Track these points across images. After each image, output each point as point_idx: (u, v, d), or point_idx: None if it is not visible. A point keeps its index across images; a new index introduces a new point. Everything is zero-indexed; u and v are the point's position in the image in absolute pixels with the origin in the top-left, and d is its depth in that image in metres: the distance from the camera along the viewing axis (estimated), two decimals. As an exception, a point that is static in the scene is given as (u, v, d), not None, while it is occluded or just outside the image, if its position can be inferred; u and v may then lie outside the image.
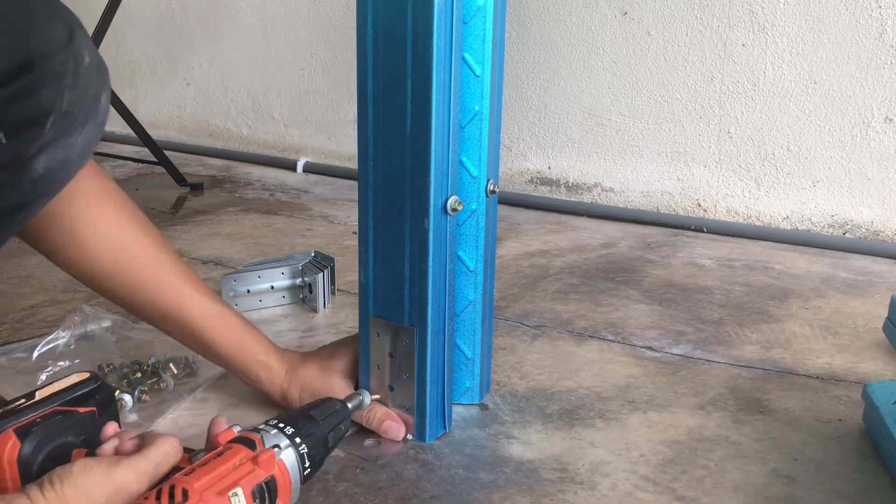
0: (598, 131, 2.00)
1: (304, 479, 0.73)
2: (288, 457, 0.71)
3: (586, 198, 2.03)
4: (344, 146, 2.39)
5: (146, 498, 0.62)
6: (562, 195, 2.07)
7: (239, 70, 2.58)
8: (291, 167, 2.41)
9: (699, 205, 1.90)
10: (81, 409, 0.71)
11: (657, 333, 1.24)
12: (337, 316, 1.29)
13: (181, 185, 2.18)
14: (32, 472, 0.67)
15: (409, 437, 0.92)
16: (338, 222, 1.87)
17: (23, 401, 0.69)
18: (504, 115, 2.07)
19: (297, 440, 0.72)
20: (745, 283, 1.48)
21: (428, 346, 0.88)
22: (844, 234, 1.76)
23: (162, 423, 0.95)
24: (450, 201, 0.84)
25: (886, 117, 1.68)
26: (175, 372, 1.04)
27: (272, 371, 0.94)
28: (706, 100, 1.84)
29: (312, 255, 1.39)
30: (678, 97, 1.87)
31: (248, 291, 1.30)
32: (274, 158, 2.49)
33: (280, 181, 2.29)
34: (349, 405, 0.85)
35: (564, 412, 0.99)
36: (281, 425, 0.73)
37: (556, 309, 1.33)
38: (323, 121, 2.44)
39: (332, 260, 1.37)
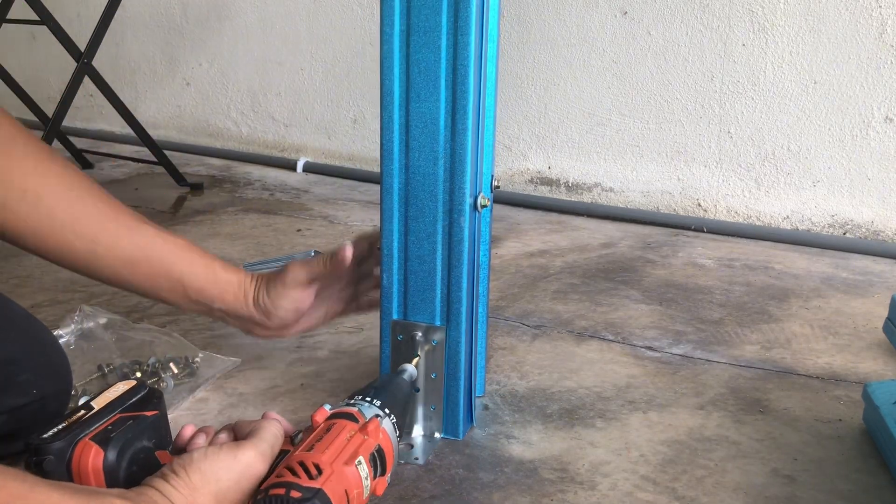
0: (599, 131, 2.00)
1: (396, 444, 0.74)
2: (387, 426, 0.73)
3: (586, 198, 2.03)
4: (344, 146, 2.39)
5: (279, 476, 0.62)
6: (562, 195, 2.07)
7: (239, 70, 2.58)
8: (291, 167, 2.41)
9: (699, 205, 1.90)
10: (147, 413, 0.71)
11: (657, 333, 1.24)
12: (337, 316, 1.29)
13: (181, 184, 2.18)
14: (119, 479, 0.66)
15: (438, 435, 0.92)
16: (338, 222, 1.87)
17: (83, 412, 0.68)
18: (504, 114, 2.07)
19: (387, 410, 0.74)
20: (745, 282, 1.48)
21: (461, 342, 0.89)
22: (845, 233, 1.76)
23: (162, 423, 0.95)
24: (479, 198, 0.87)
25: (886, 117, 1.68)
26: (175, 372, 1.04)
27: (248, 286, 0.92)
28: (706, 100, 1.84)
29: (312, 254, 1.39)
30: (678, 97, 1.87)
31: (248, 291, 1.30)
32: (274, 158, 2.49)
33: (280, 181, 2.29)
34: (406, 377, 0.86)
35: (564, 412, 0.99)
36: (368, 399, 0.74)
37: (556, 309, 1.33)
38: (323, 121, 2.44)
39: (332, 260, 1.37)
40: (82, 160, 2.42)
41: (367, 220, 1.89)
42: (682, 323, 1.28)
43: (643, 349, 1.18)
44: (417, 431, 0.92)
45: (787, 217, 1.81)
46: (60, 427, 0.66)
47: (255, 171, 2.40)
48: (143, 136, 2.16)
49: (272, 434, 0.68)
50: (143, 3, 2.71)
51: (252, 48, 2.53)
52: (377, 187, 2.17)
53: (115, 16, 2.11)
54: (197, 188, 2.17)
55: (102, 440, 0.66)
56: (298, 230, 1.79)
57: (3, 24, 2.17)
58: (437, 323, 0.89)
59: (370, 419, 0.70)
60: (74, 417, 0.68)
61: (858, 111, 1.70)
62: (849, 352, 1.17)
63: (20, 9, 2.03)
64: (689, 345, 1.19)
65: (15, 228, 0.80)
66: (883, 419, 0.88)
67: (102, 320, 1.16)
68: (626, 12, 1.88)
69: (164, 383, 1.02)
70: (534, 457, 0.89)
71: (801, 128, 1.77)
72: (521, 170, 2.11)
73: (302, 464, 0.62)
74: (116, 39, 2.73)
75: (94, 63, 2.08)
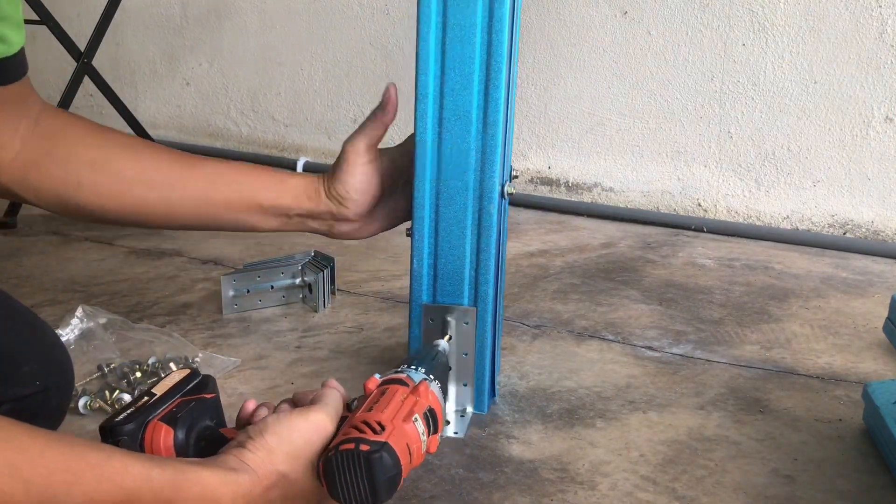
0: (599, 131, 2.00)
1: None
2: (434, 389, 0.76)
3: (586, 197, 2.03)
4: (344, 146, 2.39)
5: (346, 434, 0.65)
6: (562, 195, 2.07)
7: (239, 70, 2.58)
8: (291, 167, 2.41)
9: (699, 204, 1.90)
10: (207, 396, 0.75)
11: (657, 333, 1.24)
12: (337, 316, 1.29)
13: (181, 184, 2.17)
14: (189, 456, 0.70)
15: (470, 409, 0.96)
16: (338, 222, 1.87)
17: (146, 398, 0.72)
18: (504, 114, 2.07)
19: (432, 377, 0.78)
20: (745, 282, 1.48)
21: (488, 322, 0.95)
22: (845, 233, 1.76)
23: (162, 423, 0.95)
24: (506, 186, 0.93)
25: (886, 117, 1.68)
26: (175, 372, 1.04)
27: (318, 182, 0.94)
28: (706, 99, 1.84)
29: (312, 255, 1.39)
30: (678, 97, 1.87)
31: (248, 291, 1.30)
32: (274, 158, 2.49)
33: (280, 181, 2.28)
34: (441, 350, 0.90)
35: (564, 412, 0.99)
36: (413, 367, 0.78)
37: (557, 309, 1.33)
38: (323, 120, 2.44)
39: (332, 260, 1.37)
40: (82, 160, 2.41)
41: (367, 219, 1.89)
42: (682, 323, 1.28)
43: (643, 349, 1.18)
44: (450, 407, 0.97)
45: (787, 217, 1.81)
46: (129, 412, 0.70)
47: (255, 171, 2.40)
48: (143, 136, 2.16)
49: (335, 398, 0.71)
50: (143, 2, 2.71)
51: (252, 48, 2.53)
52: (377, 187, 2.18)
53: (115, 16, 2.11)
54: (197, 188, 2.16)
55: (171, 420, 0.69)
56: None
57: (3, 24, 2.17)
58: (467, 304, 0.95)
59: (419, 382, 0.74)
60: (140, 403, 0.71)
61: (858, 111, 1.70)
62: (849, 352, 1.17)
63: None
64: (689, 345, 1.19)
65: (95, 201, 0.86)
66: (883, 419, 0.88)
67: (102, 320, 1.16)
68: (626, 12, 1.88)
69: (164, 383, 1.02)
70: (534, 457, 0.89)
71: (801, 128, 1.77)
72: (521, 169, 2.11)
73: (366, 422, 0.66)
74: (116, 39, 2.73)
75: (94, 63, 2.08)
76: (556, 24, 1.98)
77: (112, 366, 1.05)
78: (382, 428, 0.65)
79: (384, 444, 0.64)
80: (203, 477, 0.59)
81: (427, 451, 0.71)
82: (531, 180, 2.11)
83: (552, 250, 1.68)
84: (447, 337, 0.93)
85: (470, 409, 0.97)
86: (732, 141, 1.84)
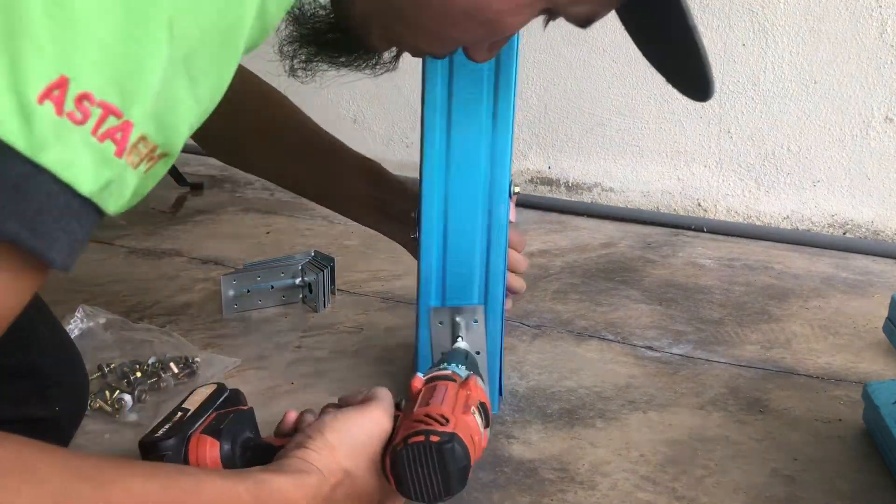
0: (598, 131, 1.99)
1: None
2: (480, 383, 0.76)
3: (586, 197, 2.03)
4: (344, 146, 2.39)
5: (411, 428, 0.64)
6: (562, 195, 2.07)
7: (239, 70, 2.58)
8: (291, 167, 2.41)
9: (699, 205, 1.90)
10: (243, 408, 0.74)
11: (657, 333, 1.24)
12: (337, 316, 1.29)
13: (181, 184, 2.18)
14: (237, 467, 0.69)
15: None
16: (338, 222, 1.87)
17: (181, 413, 0.71)
18: (504, 114, 2.07)
19: (472, 372, 0.77)
20: (745, 282, 1.48)
21: (499, 320, 0.95)
22: (844, 233, 1.76)
23: (162, 423, 0.95)
24: (512, 186, 0.94)
25: (887, 117, 1.68)
26: (175, 372, 1.04)
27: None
28: (706, 99, 1.84)
29: (312, 255, 1.39)
30: (678, 97, 1.86)
31: (248, 291, 1.30)
32: (274, 158, 2.49)
33: (280, 181, 2.28)
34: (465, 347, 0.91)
35: (564, 412, 0.99)
36: (454, 365, 0.77)
37: (557, 309, 1.33)
38: (323, 120, 2.43)
39: (332, 260, 1.37)
40: (82, 160, 2.41)
41: (367, 219, 1.89)
42: (682, 323, 1.28)
43: (643, 349, 1.18)
44: None
45: (787, 217, 1.81)
46: (166, 427, 0.69)
47: (255, 171, 2.40)
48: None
49: (387, 395, 0.71)
50: (143, 2, 2.71)
51: (252, 48, 2.53)
52: (377, 187, 2.18)
53: (115, 16, 2.11)
54: (197, 188, 2.17)
55: (214, 432, 0.69)
56: (268, 233, 1.79)
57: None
58: (476, 302, 0.95)
59: (468, 376, 0.73)
60: (176, 418, 0.70)
61: (858, 111, 1.70)
62: (849, 352, 1.17)
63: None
64: (689, 345, 1.19)
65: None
66: (883, 419, 0.88)
67: (102, 320, 1.16)
68: (626, 12, 1.88)
69: (164, 383, 1.02)
70: (534, 457, 0.89)
71: (801, 127, 1.77)
72: (521, 169, 2.11)
73: (428, 415, 0.65)
74: (116, 39, 2.73)
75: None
76: (556, 23, 1.98)
77: (112, 366, 1.05)
78: (447, 420, 0.65)
79: (454, 435, 0.63)
80: (281, 484, 0.59)
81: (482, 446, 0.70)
82: (531, 180, 2.11)
83: (552, 250, 1.68)
84: (459, 338, 0.93)
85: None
86: (732, 141, 1.84)
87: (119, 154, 0.38)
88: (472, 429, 0.66)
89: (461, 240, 0.94)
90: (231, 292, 1.29)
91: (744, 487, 0.83)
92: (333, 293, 1.37)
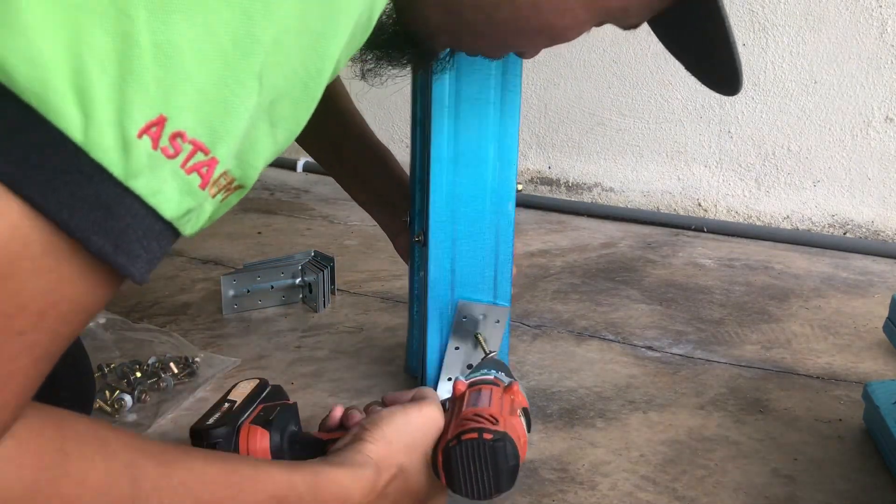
0: (599, 131, 1.99)
1: None
2: (523, 390, 0.76)
3: (586, 197, 2.03)
4: (344, 146, 2.39)
5: (463, 426, 0.65)
6: (562, 195, 2.07)
7: (239, 70, 2.58)
8: (291, 166, 2.41)
9: (699, 204, 1.90)
10: (288, 402, 0.75)
11: (657, 333, 1.24)
12: (337, 316, 1.29)
13: (181, 184, 2.17)
14: (286, 458, 0.69)
15: None
16: (338, 222, 1.87)
17: (227, 405, 0.72)
18: (504, 114, 2.07)
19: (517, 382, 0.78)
20: (745, 282, 1.48)
21: (509, 321, 0.96)
22: (845, 233, 1.76)
23: (162, 423, 0.95)
24: (518, 185, 0.95)
25: (887, 117, 1.68)
26: (175, 372, 1.04)
27: None
28: (706, 99, 1.84)
29: (312, 254, 1.39)
30: (678, 97, 1.87)
31: (248, 291, 1.30)
32: (274, 158, 2.49)
33: (280, 180, 2.29)
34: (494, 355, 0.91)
35: (564, 412, 0.99)
36: (494, 371, 0.78)
37: (557, 309, 1.33)
38: (323, 120, 2.44)
39: (332, 260, 1.37)
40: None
41: (367, 219, 1.89)
42: (682, 323, 1.28)
43: (643, 349, 1.18)
44: None
45: (788, 217, 1.81)
46: (216, 416, 0.70)
47: (255, 171, 2.40)
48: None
49: (436, 395, 0.72)
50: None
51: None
52: (377, 187, 2.18)
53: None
54: (197, 188, 2.16)
55: (265, 423, 0.70)
56: (259, 233, 1.79)
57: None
58: (495, 302, 0.96)
59: (512, 382, 0.74)
60: (224, 408, 0.71)
61: (859, 111, 1.70)
62: (849, 352, 1.17)
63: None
64: (689, 345, 1.19)
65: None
66: (883, 419, 0.88)
67: (102, 320, 1.16)
68: (626, 12, 1.88)
69: (164, 383, 1.02)
70: (534, 457, 0.89)
71: (801, 127, 1.76)
72: (521, 169, 2.11)
73: (478, 415, 0.66)
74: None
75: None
76: (557, 23, 1.98)
77: (112, 366, 1.05)
78: (496, 420, 0.66)
79: (505, 434, 0.64)
80: (337, 476, 0.60)
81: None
82: (531, 180, 2.11)
83: (552, 250, 1.68)
84: (482, 338, 0.94)
85: None
86: (733, 141, 1.84)
87: (203, 186, 0.42)
88: (517, 430, 0.67)
89: (470, 241, 0.94)
90: (231, 292, 1.29)
91: (744, 487, 0.83)
92: (333, 293, 1.37)
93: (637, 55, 1.90)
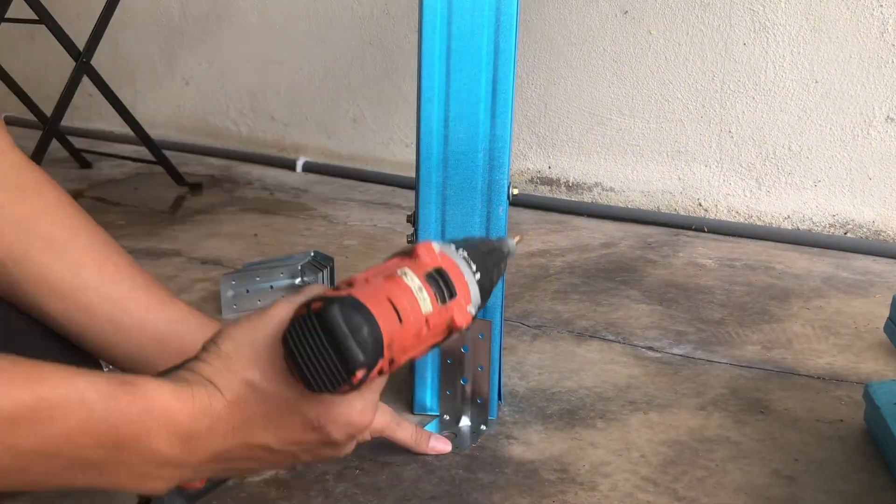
0: (599, 130, 1.99)
1: (483, 295, 0.61)
2: (454, 257, 0.60)
3: (587, 197, 2.03)
4: (343, 145, 2.39)
5: (307, 298, 0.52)
6: (562, 195, 2.06)
7: (238, 69, 2.57)
8: (291, 166, 2.41)
9: (700, 204, 1.90)
10: None
11: (658, 333, 1.23)
12: (336, 316, 1.29)
13: (180, 184, 2.17)
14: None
15: (484, 427, 0.94)
16: (337, 222, 1.87)
17: None
18: (504, 114, 2.07)
19: (461, 249, 0.62)
20: (746, 282, 1.47)
21: (497, 328, 0.94)
22: (846, 233, 1.76)
23: (160, 424, 0.94)
24: (510, 189, 0.92)
25: (888, 117, 1.67)
26: (174, 372, 1.04)
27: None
28: (707, 99, 1.84)
29: (312, 254, 1.38)
30: (679, 96, 1.87)
31: (248, 291, 1.30)
32: (273, 158, 2.49)
33: (279, 181, 2.28)
34: (505, 249, 0.71)
35: (565, 412, 0.98)
36: (453, 244, 0.62)
37: (557, 309, 1.33)
38: (322, 120, 2.43)
39: (332, 260, 1.36)
40: (81, 160, 2.41)
41: (366, 219, 1.89)
42: (682, 323, 1.28)
43: (644, 349, 1.18)
44: (465, 423, 0.94)
45: (788, 217, 1.81)
46: None
47: (255, 171, 2.40)
48: (141, 136, 2.15)
49: (312, 290, 0.56)
50: (143, 2, 2.71)
51: (252, 48, 2.53)
52: (377, 187, 2.18)
53: (114, 15, 2.10)
54: (196, 188, 2.16)
55: None
56: (255, 234, 1.78)
57: (2, 24, 2.17)
58: (482, 316, 0.92)
59: (419, 243, 0.59)
60: None
61: (860, 111, 1.70)
62: (850, 352, 1.17)
63: (19, 8, 2.03)
64: (689, 345, 1.19)
65: (31, 284, 0.66)
66: (884, 419, 0.87)
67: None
68: (626, 11, 1.88)
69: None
70: (534, 457, 0.88)
71: (802, 127, 1.76)
72: (521, 169, 2.11)
73: (336, 287, 0.54)
74: (115, 39, 2.73)
75: (93, 62, 2.08)
76: (556, 23, 1.97)
77: (112, 366, 1.05)
78: (350, 286, 0.53)
79: (342, 298, 0.50)
80: (149, 389, 0.49)
81: (453, 324, 0.57)
82: (531, 180, 2.11)
83: (552, 250, 1.67)
84: (517, 239, 0.74)
85: (484, 427, 0.94)
86: (733, 140, 1.84)
87: None
88: (392, 291, 0.53)
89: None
90: (230, 292, 1.29)
91: (744, 488, 0.83)
92: (333, 293, 1.37)
93: (637, 54, 1.90)
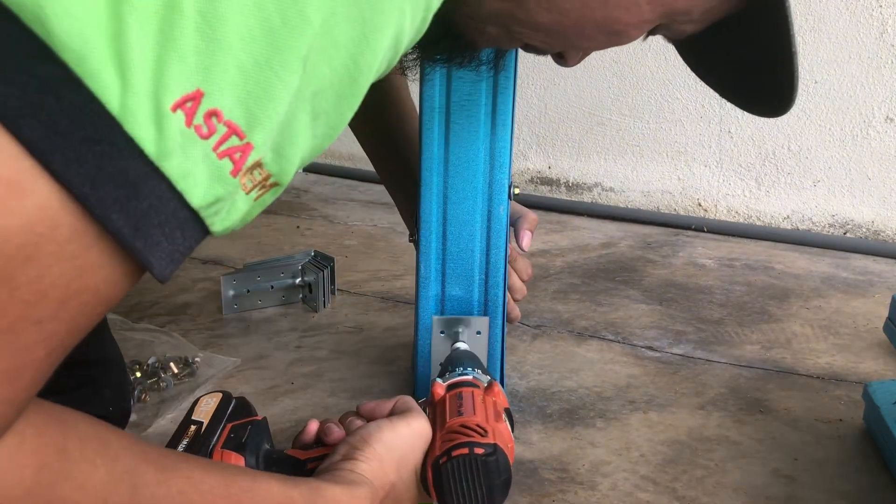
0: (599, 131, 1.99)
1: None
2: (503, 389, 0.74)
3: (586, 197, 2.03)
4: (343, 145, 2.39)
5: (452, 440, 0.63)
6: (562, 195, 2.07)
7: (239, 69, 2.58)
8: (291, 167, 2.41)
9: (700, 204, 1.90)
10: (257, 418, 0.72)
11: (657, 333, 1.23)
12: (337, 316, 1.29)
13: (181, 184, 2.17)
14: None
15: None
16: (338, 222, 1.87)
17: (194, 427, 0.69)
18: (504, 114, 2.07)
19: (488, 376, 0.75)
20: (745, 282, 1.48)
21: (499, 326, 0.93)
22: (845, 233, 1.76)
23: (162, 423, 0.95)
24: (511, 188, 0.92)
25: (887, 117, 1.68)
26: (175, 372, 1.04)
27: None
28: (707, 99, 1.84)
29: (312, 254, 1.39)
30: (679, 97, 1.87)
31: (248, 291, 1.30)
32: (274, 158, 2.49)
33: (280, 181, 2.28)
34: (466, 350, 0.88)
35: (565, 412, 0.99)
36: (469, 368, 0.75)
37: (557, 308, 1.33)
38: (323, 120, 2.44)
39: (332, 260, 1.37)
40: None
41: (367, 219, 1.89)
42: (682, 323, 1.28)
43: (643, 349, 1.18)
44: None
45: (788, 217, 1.81)
46: (184, 443, 0.66)
47: (255, 171, 2.40)
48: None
49: (417, 405, 0.69)
50: (143, 2, 2.71)
51: (252, 48, 2.53)
52: (377, 187, 2.18)
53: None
54: (197, 188, 2.16)
55: (238, 447, 0.67)
56: (256, 240, 1.79)
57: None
58: (476, 314, 0.93)
59: (491, 382, 0.72)
60: (191, 433, 0.68)
61: (859, 111, 1.70)
62: (849, 352, 1.17)
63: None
64: (689, 345, 1.19)
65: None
66: (884, 419, 0.88)
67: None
68: (626, 12, 1.88)
69: (164, 383, 1.02)
70: (534, 457, 0.89)
71: (801, 127, 1.76)
72: (521, 169, 2.11)
73: (465, 426, 0.64)
74: (116, 39, 2.73)
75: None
76: (557, 23, 1.98)
77: (112, 366, 1.05)
78: (486, 431, 0.64)
79: (496, 446, 0.62)
80: (334, 493, 0.58)
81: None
82: (531, 180, 2.11)
83: (552, 250, 1.68)
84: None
85: None
86: (733, 141, 1.84)
87: (234, 174, 0.39)
88: (504, 437, 0.65)
89: (460, 243, 0.92)
90: (231, 292, 1.29)
91: (744, 488, 0.83)
92: (333, 293, 1.37)
93: (637, 55, 1.90)
